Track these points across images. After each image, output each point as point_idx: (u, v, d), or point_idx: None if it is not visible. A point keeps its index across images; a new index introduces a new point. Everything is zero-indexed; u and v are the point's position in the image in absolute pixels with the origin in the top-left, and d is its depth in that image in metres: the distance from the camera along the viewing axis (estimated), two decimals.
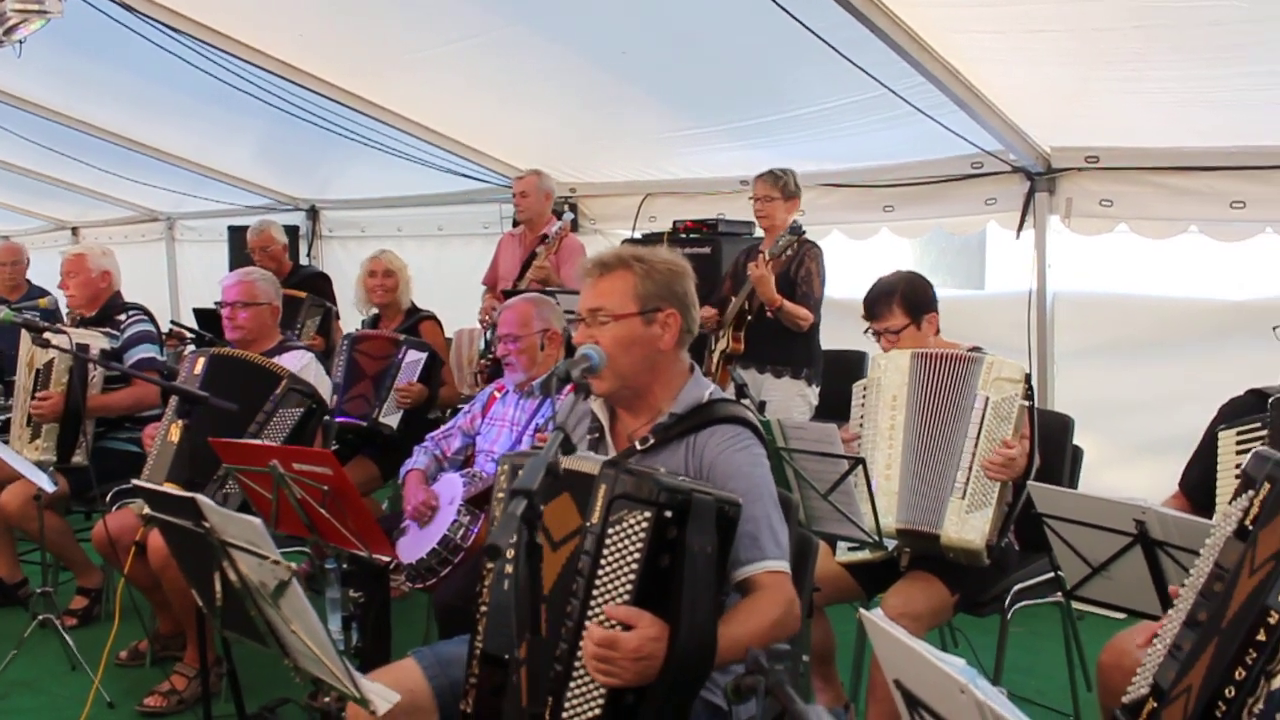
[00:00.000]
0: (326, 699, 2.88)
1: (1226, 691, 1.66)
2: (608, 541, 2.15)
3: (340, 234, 9.23)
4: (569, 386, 2.56)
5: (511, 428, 3.91)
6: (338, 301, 6.78)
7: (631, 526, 2.13)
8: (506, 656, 2.23)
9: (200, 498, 2.58)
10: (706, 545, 2.15)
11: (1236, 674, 1.65)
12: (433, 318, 5.58)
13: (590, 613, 2.15)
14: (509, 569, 1.92)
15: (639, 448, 2.48)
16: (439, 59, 5.69)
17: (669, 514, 2.10)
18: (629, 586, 2.12)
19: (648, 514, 2.11)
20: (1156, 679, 1.85)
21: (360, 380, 5.12)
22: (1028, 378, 3.33)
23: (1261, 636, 1.63)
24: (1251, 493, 1.83)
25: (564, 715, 2.16)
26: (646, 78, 5.56)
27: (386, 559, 3.51)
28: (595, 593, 2.15)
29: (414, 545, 3.80)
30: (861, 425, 3.52)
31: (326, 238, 9.33)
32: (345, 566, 3.52)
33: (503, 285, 5.93)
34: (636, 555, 2.12)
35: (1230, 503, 1.89)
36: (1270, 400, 3.00)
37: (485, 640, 2.35)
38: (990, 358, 3.38)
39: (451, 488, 3.84)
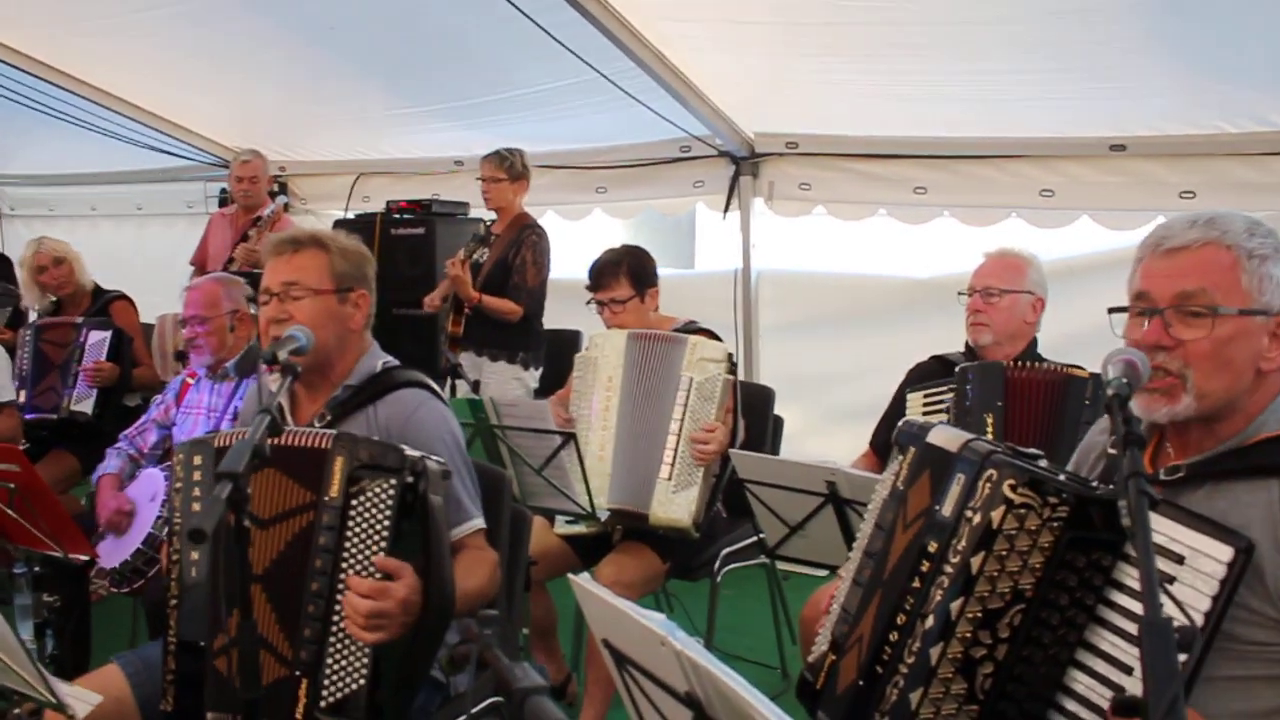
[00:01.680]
0: (18, 711, 2.69)
1: (891, 636, 1.83)
2: (352, 513, 2.15)
3: (24, 213, 8.57)
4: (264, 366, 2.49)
5: (209, 414, 3.75)
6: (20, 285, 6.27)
7: (377, 495, 2.14)
8: (200, 644, 2.17)
9: None
10: (442, 504, 2.20)
11: (898, 619, 1.83)
12: (123, 297, 5.28)
13: (341, 586, 2.14)
14: (194, 555, 1.87)
15: (317, 426, 2.46)
16: (133, 26, 5.38)
17: (410, 479, 2.14)
18: (380, 553, 2.13)
19: (392, 481, 2.14)
20: (834, 634, 2.02)
21: (49, 372, 4.80)
22: (730, 356, 3.48)
23: (916, 584, 1.81)
24: (901, 457, 2.02)
25: (324, 694, 2.12)
26: (357, 55, 5.45)
27: (85, 558, 3.31)
28: (344, 565, 2.14)
29: (116, 548, 3.58)
30: (578, 400, 3.59)
31: (8, 216, 8.65)
32: (37, 570, 3.29)
33: (212, 266, 5.68)
34: (386, 521, 2.13)
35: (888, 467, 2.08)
36: (956, 368, 3.31)
37: (178, 630, 2.27)
38: (693, 339, 3.51)
39: (153, 483, 3.64)
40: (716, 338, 3.67)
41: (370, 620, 2.07)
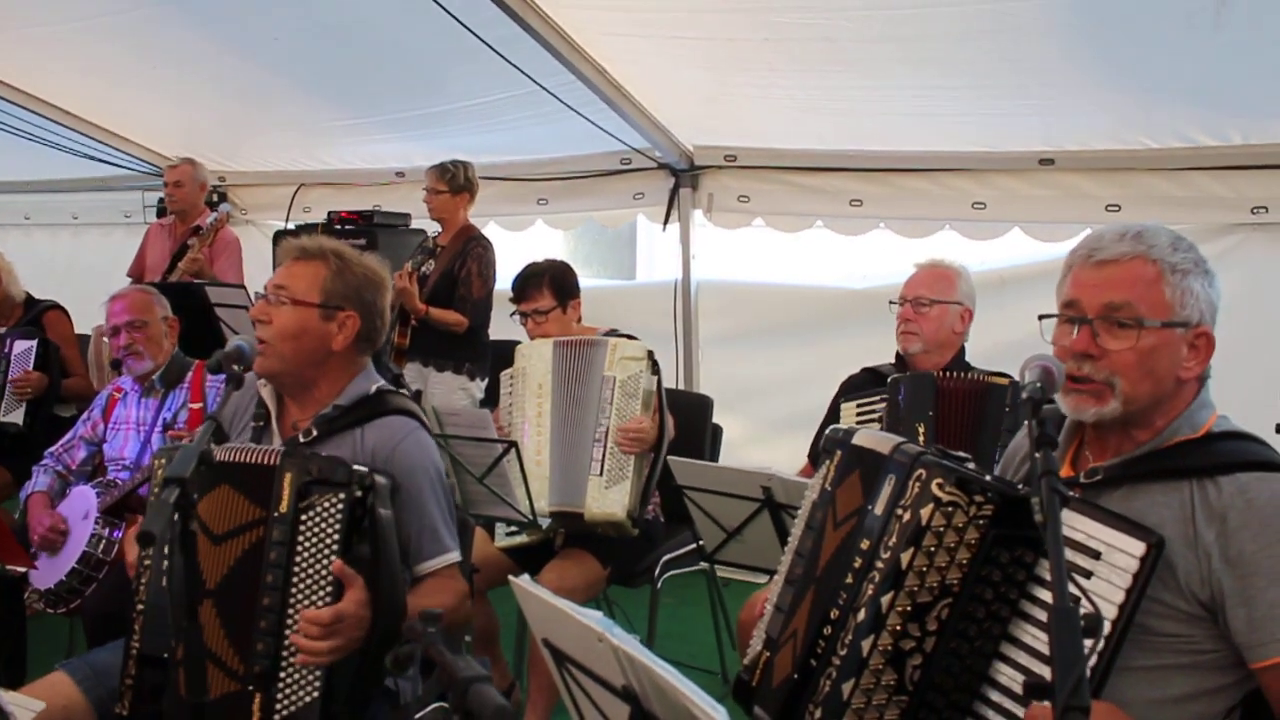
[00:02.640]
0: None
1: (824, 630, 1.89)
2: (302, 528, 2.18)
3: None
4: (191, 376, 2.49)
5: (138, 429, 3.71)
6: None
7: (326, 510, 2.18)
8: (165, 655, 2.19)
9: None
10: (391, 517, 2.24)
11: (832, 614, 1.89)
12: (56, 307, 5.20)
13: (293, 600, 2.16)
14: (165, 563, 1.88)
15: (301, 440, 2.46)
16: (70, 34, 5.31)
17: (359, 493, 2.19)
18: (330, 566, 2.16)
19: (341, 495, 2.18)
20: (768, 632, 2.08)
21: None
22: (650, 354, 3.55)
23: (849, 580, 1.88)
24: (829, 460, 2.10)
25: (278, 707, 2.14)
26: (299, 66, 5.43)
27: (22, 569, 3.27)
28: (295, 580, 2.17)
29: (51, 568, 3.51)
30: (510, 413, 3.64)
31: None
32: None
33: (150, 277, 5.61)
34: (336, 535, 2.17)
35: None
36: (888, 379, 3.39)
37: (142, 640, 2.28)
38: (613, 340, 3.59)
39: (84, 500, 3.57)
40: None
41: (328, 644, 2.10)
